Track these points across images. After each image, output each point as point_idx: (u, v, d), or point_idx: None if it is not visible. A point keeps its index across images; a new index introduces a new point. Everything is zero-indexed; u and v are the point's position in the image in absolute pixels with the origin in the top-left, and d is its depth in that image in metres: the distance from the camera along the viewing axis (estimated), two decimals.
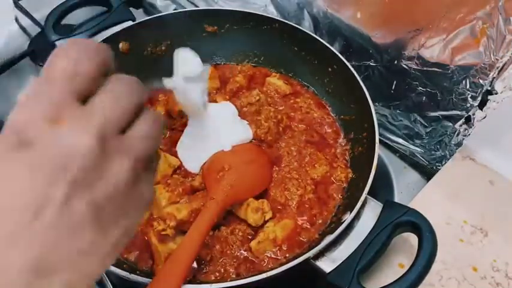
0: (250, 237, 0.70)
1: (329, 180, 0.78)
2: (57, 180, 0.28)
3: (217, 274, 0.66)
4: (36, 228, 0.27)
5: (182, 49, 0.73)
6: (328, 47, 0.86)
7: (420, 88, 0.81)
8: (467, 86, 0.74)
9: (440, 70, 0.76)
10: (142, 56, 0.93)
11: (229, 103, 0.86)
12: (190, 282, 0.63)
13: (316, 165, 0.79)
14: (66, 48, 0.31)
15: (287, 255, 0.69)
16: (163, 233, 0.66)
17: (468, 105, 0.75)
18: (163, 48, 0.95)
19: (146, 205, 0.35)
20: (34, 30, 1.10)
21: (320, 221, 0.73)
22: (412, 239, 0.65)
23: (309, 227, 0.72)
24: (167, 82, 0.69)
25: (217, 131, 0.79)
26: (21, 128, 0.29)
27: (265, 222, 0.71)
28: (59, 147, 0.28)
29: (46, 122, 0.28)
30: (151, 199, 0.35)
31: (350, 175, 0.78)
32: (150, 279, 0.56)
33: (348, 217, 0.64)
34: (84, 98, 0.30)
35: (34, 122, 0.28)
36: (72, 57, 0.30)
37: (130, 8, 0.93)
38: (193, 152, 0.78)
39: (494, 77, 0.70)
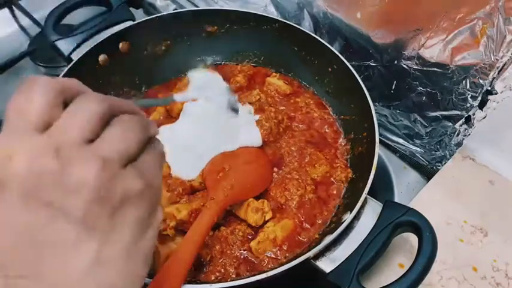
0: (250, 237, 0.70)
1: (329, 180, 0.78)
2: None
3: (218, 274, 0.66)
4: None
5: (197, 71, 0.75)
6: (328, 47, 0.86)
7: (420, 88, 0.81)
8: (467, 86, 0.74)
9: (440, 70, 0.76)
10: (143, 56, 0.93)
11: (247, 104, 0.85)
12: (190, 282, 0.63)
13: (316, 165, 0.79)
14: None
15: (287, 255, 0.69)
16: (163, 233, 0.66)
17: (468, 105, 0.75)
18: (163, 48, 0.95)
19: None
20: (34, 30, 1.10)
21: (320, 221, 0.73)
22: (412, 239, 0.65)
23: (309, 227, 0.72)
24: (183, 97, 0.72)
25: (225, 131, 0.78)
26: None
27: (265, 222, 0.71)
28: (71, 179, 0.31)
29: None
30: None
31: (350, 175, 0.78)
32: (150, 279, 0.56)
33: (348, 217, 0.64)
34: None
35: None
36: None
37: (130, 8, 0.93)
38: (189, 157, 0.77)
39: (494, 77, 0.70)
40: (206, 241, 0.67)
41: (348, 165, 0.81)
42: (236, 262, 0.67)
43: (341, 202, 0.75)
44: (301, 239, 0.71)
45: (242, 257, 0.68)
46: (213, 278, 0.66)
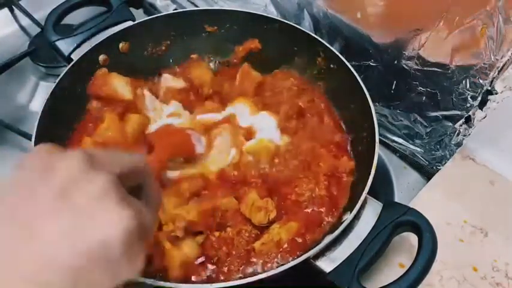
0: (254, 236, 0.69)
1: (333, 178, 0.77)
2: None
3: (221, 275, 0.66)
4: None
5: None
6: (328, 47, 0.86)
7: (420, 88, 0.81)
8: (467, 86, 0.74)
9: (440, 70, 0.76)
10: (143, 56, 0.93)
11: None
12: (190, 282, 0.63)
13: (320, 163, 0.78)
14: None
15: (287, 255, 0.68)
16: (172, 234, 0.65)
17: (468, 105, 0.75)
18: (163, 48, 0.95)
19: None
20: (34, 30, 1.10)
21: (325, 222, 0.71)
22: (412, 239, 0.65)
23: (314, 228, 0.71)
24: None
25: None
26: None
27: (271, 222, 0.70)
28: None
29: None
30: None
31: (352, 174, 0.77)
32: (150, 279, 0.56)
33: (348, 217, 0.64)
34: None
35: None
36: None
37: (131, 8, 0.93)
38: None
39: (494, 77, 0.70)
40: (213, 243, 0.67)
41: (351, 156, 0.80)
42: (240, 263, 0.67)
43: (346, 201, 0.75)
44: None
45: (245, 257, 0.68)
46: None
